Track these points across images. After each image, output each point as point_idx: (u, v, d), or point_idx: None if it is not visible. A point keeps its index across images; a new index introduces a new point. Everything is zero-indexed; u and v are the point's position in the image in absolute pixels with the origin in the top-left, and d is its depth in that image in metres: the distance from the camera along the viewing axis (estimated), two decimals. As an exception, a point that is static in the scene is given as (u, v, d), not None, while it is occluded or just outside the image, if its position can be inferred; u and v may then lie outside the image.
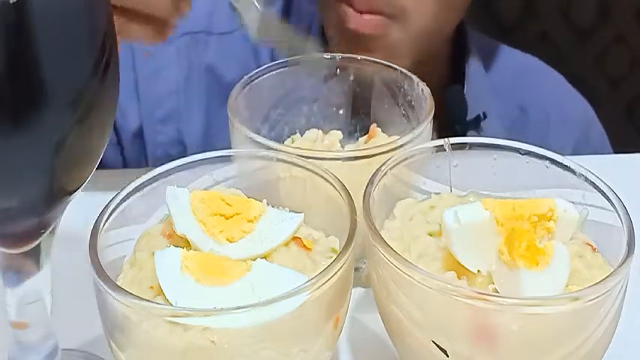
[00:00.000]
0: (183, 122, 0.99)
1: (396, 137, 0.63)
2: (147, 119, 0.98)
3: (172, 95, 0.98)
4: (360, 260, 0.63)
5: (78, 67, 0.44)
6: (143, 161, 1.00)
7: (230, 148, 0.63)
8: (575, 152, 1.07)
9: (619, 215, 0.51)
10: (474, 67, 1.04)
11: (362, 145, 0.69)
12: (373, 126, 0.70)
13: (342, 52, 0.85)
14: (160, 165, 0.55)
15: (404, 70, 0.69)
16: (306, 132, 0.70)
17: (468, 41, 1.05)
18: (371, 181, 0.54)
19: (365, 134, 0.71)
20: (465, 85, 1.02)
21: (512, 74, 1.10)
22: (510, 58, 1.12)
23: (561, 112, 1.09)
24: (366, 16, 0.88)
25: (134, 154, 1.00)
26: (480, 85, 1.04)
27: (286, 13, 1.04)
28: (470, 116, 1.00)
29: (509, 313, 0.46)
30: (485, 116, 1.01)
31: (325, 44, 0.97)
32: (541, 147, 0.56)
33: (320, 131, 0.70)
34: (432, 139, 0.60)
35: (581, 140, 1.09)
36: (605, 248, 0.52)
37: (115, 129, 0.97)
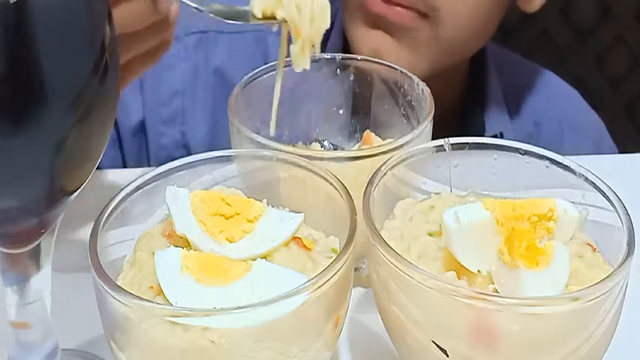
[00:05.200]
0: (188, 125, 0.98)
1: (391, 139, 0.63)
2: (151, 119, 0.97)
3: (178, 96, 0.97)
4: (360, 260, 0.63)
5: (78, 67, 0.44)
6: (144, 160, 0.99)
7: (230, 148, 0.63)
8: None
9: (619, 215, 0.51)
10: (492, 84, 1.04)
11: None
12: (367, 132, 0.70)
13: (362, 41, 0.83)
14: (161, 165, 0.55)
15: (404, 70, 0.69)
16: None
17: (487, 58, 1.05)
18: (371, 181, 0.54)
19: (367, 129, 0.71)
20: (485, 105, 1.02)
21: (527, 89, 1.10)
22: (525, 71, 1.12)
23: (575, 127, 1.09)
24: (398, 8, 0.88)
25: (134, 151, 0.99)
26: (497, 102, 1.04)
27: None
28: (487, 135, 1.00)
29: (509, 313, 0.46)
30: (502, 136, 1.01)
31: (345, 43, 0.96)
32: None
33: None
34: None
35: (596, 152, 1.08)
36: (605, 248, 0.52)
37: (115, 125, 0.96)
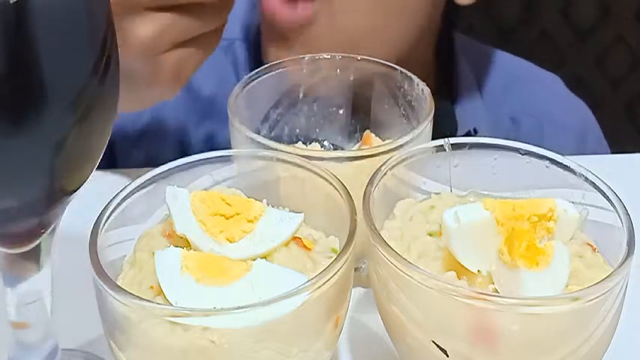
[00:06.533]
0: (158, 143, 0.95)
1: (391, 139, 0.63)
2: (119, 139, 0.94)
3: (145, 112, 0.93)
4: (360, 260, 0.63)
5: (78, 67, 0.44)
6: None
7: (230, 148, 0.63)
8: None
9: (619, 215, 0.51)
10: (463, 79, 1.01)
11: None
12: (367, 132, 0.70)
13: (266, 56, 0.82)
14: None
15: (404, 70, 0.69)
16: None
17: (455, 52, 1.01)
18: (371, 181, 0.54)
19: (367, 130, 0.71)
20: (455, 101, 1.00)
21: (503, 83, 1.06)
22: (502, 65, 1.08)
23: (555, 121, 1.05)
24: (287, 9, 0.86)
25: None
26: (470, 98, 1.01)
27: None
28: (460, 132, 0.98)
29: (509, 313, 0.46)
30: (476, 132, 0.98)
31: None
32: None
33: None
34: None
35: (578, 148, 1.05)
36: (605, 248, 0.52)
37: None
